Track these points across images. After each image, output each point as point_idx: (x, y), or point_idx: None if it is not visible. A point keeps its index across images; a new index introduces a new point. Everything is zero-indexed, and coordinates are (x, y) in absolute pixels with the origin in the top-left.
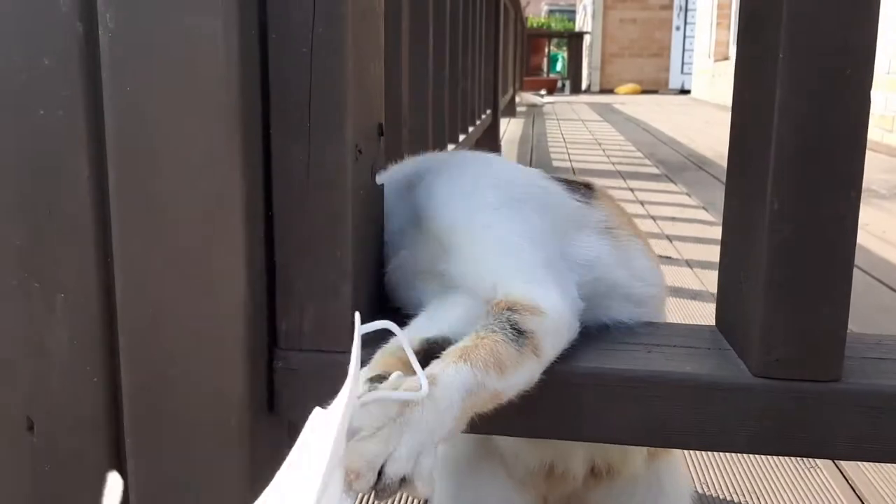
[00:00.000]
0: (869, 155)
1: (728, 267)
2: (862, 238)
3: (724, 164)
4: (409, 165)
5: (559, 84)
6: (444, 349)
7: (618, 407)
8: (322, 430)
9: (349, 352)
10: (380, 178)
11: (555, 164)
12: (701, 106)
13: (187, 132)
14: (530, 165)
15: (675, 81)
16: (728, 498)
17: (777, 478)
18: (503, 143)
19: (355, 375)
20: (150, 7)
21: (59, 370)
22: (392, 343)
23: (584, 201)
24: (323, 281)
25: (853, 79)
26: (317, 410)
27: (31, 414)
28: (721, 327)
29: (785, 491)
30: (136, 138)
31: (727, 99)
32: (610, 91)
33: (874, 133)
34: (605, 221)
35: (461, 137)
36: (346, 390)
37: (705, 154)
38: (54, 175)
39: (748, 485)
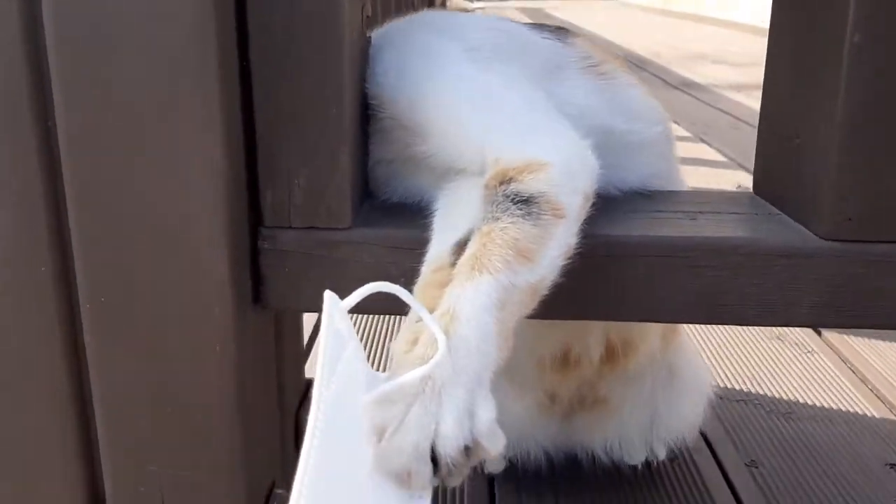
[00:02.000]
0: None
1: (775, 127)
2: None
3: (663, 63)
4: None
5: None
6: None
7: (675, 280)
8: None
9: (351, 228)
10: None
11: None
12: (631, 9)
13: None
14: None
15: None
16: (729, 385)
17: (775, 363)
18: None
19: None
20: None
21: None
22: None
23: (559, 40)
24: (316, 143)
25: None
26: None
27: None
28: (764, 192)
29: (786, 375)
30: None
31: (656, 2)
32: None
33: None
34: (586, 59)
35: None
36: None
37: (644, 55)
38: None
39: (748, 371)
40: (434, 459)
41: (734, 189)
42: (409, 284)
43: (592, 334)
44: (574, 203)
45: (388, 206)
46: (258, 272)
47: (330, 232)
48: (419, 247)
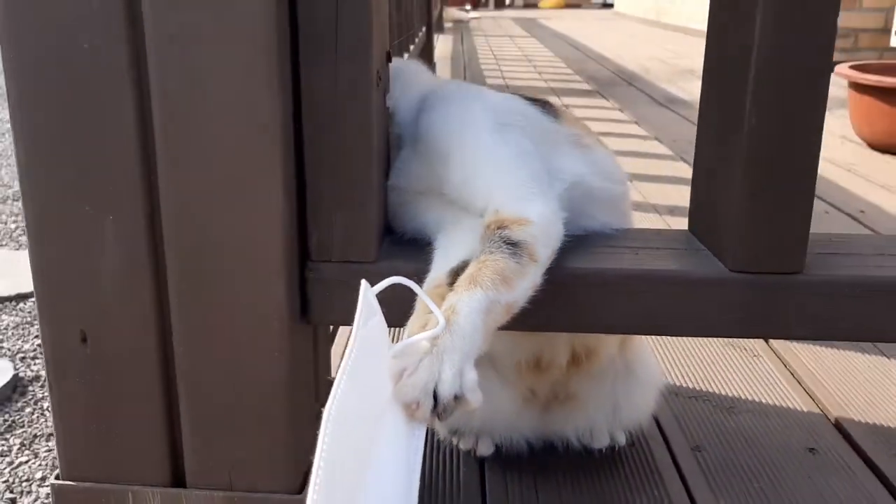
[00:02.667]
0: None
1: (702, 179)
2: None
3: (651, 79)
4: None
5: None
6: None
7: (616, 301)
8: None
9: (376, 262)
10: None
11: (489, 81)
12: (624, 20)
13: (228, 65)
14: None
15: None
16: (684, 385)
17: (724, 366)
18: (436, 61)
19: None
20: None
21: (111, 288)
22: (426, 283)
23: (554, 119)
24: (350, 195)
25: (822, 12)
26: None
27: (85, 328)
28: (695, 231)
29: (733, 376)
30: (179, 71)
31: (649, 13)
32: (534, 6)
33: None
34: (574, 136)
35: (405, 56)
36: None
37: (633, 70)
38: (102, 110)
39: (700, 372)
40: (434, 398)
41: None
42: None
43: (559, 344)
44: (545, 254)
45: (403, 243)
46: (305, 295)
47: (360, 265)
48: (424, 275)
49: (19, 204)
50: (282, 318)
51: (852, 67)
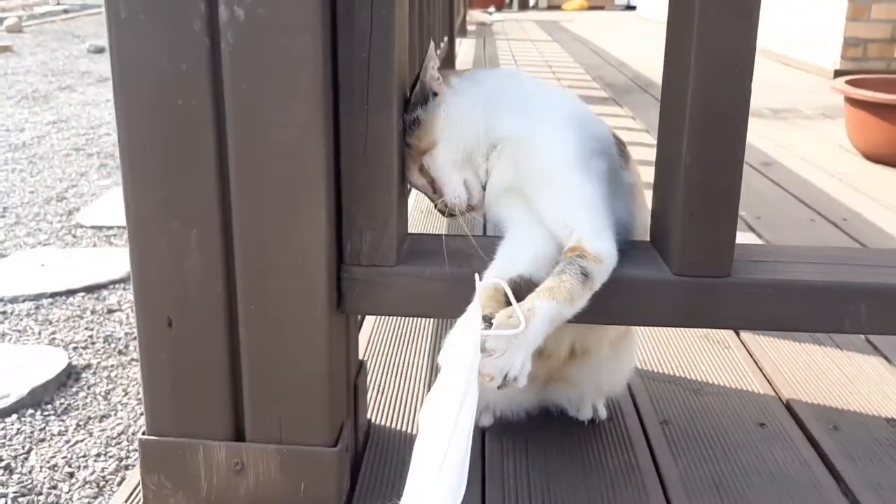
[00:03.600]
0: (797, 75)
1: (657, 198)
2: (784, 157)
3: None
4: (481, 86)
5: (507, 0)
6: (523, 285)
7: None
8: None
9: (395, 265)
10: (456, 90)
11: None
12: (646, 23)
13: (285, 116)
14: None
15: None
16: (661, 371)
17: (698, 355)
18: (458, 67)
19: (476, 318)
20: (262, 27)
21: (192, 284)
22: (487, 282)
23: (624, 166)
24: (376, 216)
25: (740, 75)
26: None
27: (171, 314)
28: (653, 242)
29: (704, 364)
30: (249, 123)
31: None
32: (557, 7)
33: (802, 53)
34: (633, 186)
35: None
36: (469, 328)
37: (650, 76)
38: (189, 150)
39: (676, 360)
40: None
41: None
42: (427, 298)
43: (563, 340)
44: (599, 285)
45: (420, 251)
46: (340, 291)
47: (383, 268)
48: (431, 277)
49: (63, 205)
50: (322, 308)
51: (848, 82)
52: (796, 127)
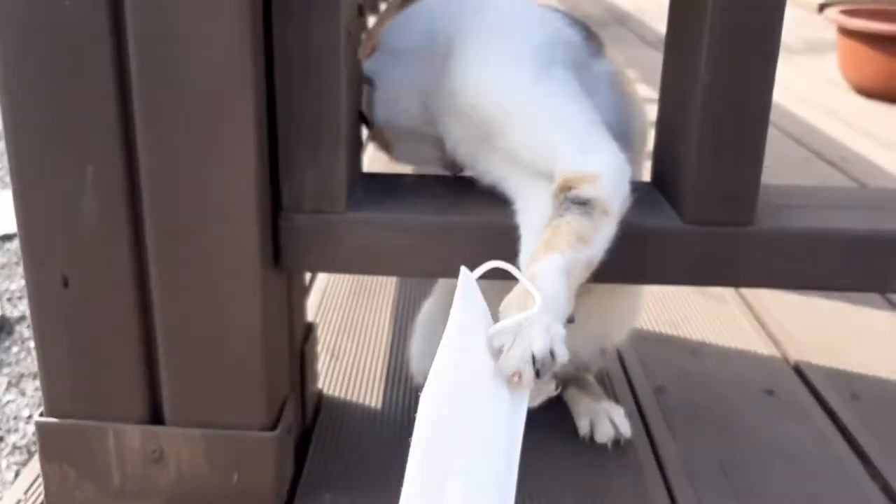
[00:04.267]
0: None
1: (662, 134)
2: (775, 93)
3: (644, 18)
4: (427, 21)
5: None
6: None
7: None
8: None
9: (345, 212)
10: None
11: None
12: None
13: (203, 19)
14: None
15: None
16: (654, 328)
17: (692, 311)
18: None
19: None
20: None
21: (91, 235)
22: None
23: (598, 54)
24: (320, 150)
25: None
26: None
27: (66, 272)
28: (656, 184)
29: (699, 321)
30: (156, 26)
31: None
32: None
33: None
34: (612, 74)
35: None
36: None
37: (626, 8)
38: (82, 64)
39: (669, 316)
40: (533, 363)
41: None
42: (388, 252)
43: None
44: (616, 204)
45: (376, 192)
46: (278, 243)
47: (330, 215)
48: (392, 226)
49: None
50: (255, 265)
51: (842, 12)
52: (784, 62)
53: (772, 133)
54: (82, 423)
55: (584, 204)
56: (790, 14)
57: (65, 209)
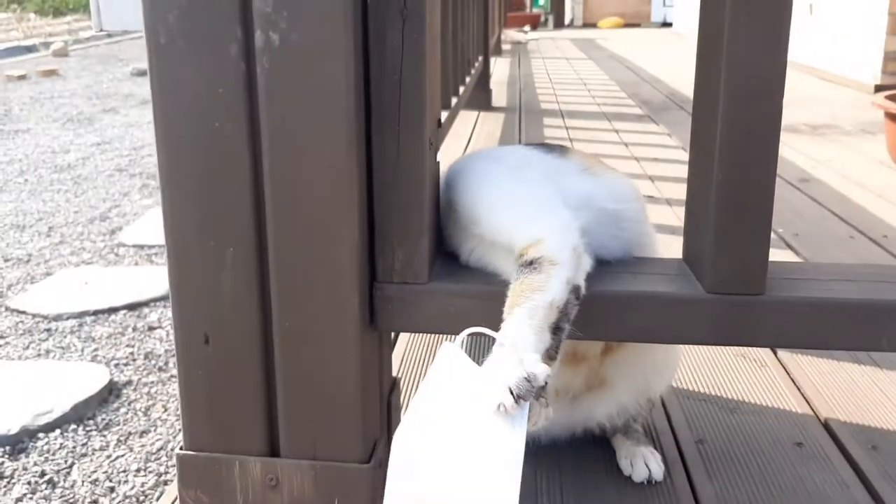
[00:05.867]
0: (838, 91)
1: (689, 216)
2: (823, 173)
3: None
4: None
5: (542, 19)
6: None
7: (616, 315)
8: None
9: (427, 283)
10: None
11: (543, 106)
12: (682, 40)
13: (319, 137)
14: (519, 107)
15: (657, 14)
16: (697, 389)
17: (734, 374)
18: (492, 86)
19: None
20: (296, 51)
21: (228, 302)
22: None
23: (561, 156)
24: (407, 234)
25: (770, 92)
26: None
27: (207, 332)
28: (686, 259)
29: (740, 383)
30: (284, 143)
31: None
32: (593, 25)
33: (844, 69)
34: (580, 165)
35: (460, 89)
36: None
37: (685, 93)
38: (226, 171)
39: (711, 379)
40: (510, 392)
41: None
42: (459, 315)
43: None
44: (564, 256)
45: (452, 268)
46: (373, 307)
47: (414, 286)
48: (462, 294)
49: (107, 224)
50: (355, 325)
51: (887, 97)
52: (835, 143)
53: (817, 211)
54: (214, 455)
55: (531, 264)
56: (845, 95)
57: (208, 281)
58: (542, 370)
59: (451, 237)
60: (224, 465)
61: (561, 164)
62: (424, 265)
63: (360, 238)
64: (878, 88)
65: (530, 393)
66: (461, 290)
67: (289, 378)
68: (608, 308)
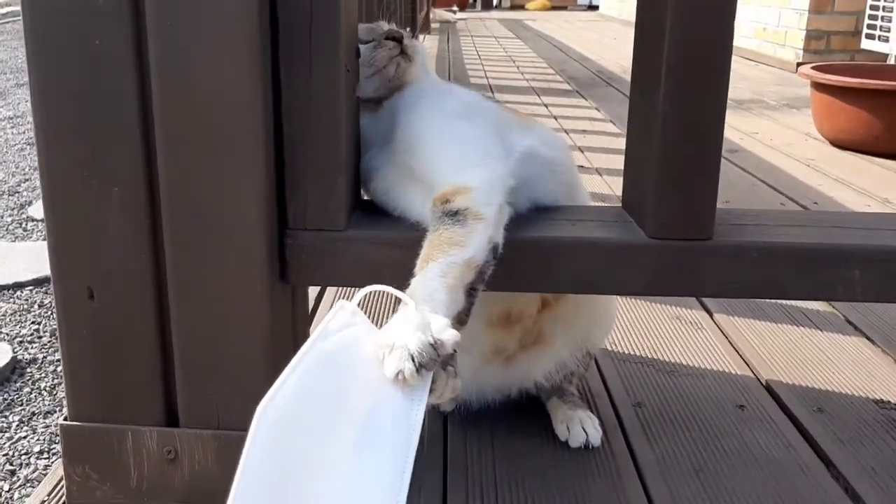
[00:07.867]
0: (761, 69)
1: (630, 163)
2: (751, 144)
3: (628, 78)
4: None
5: (470, 0)
6: None
7: (553, 264)
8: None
9: (345, 230)
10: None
11: (472, 80)
12: (609, 22)
13: (218, 60)
14: (449, 81)
15: None
16: (633, 353)
17: (670, 336)
18: None
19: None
20: None
21: (115, 251)
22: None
23: (503, 108)
24: (322, 174)
25: (722, 8)
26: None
27: (92, 285)
28: (625, 206)
29: (677, 345)
30: (175, 66)
31: (633, 15)
32: (520, 7)
33: (767, 48)
34: (519, 121)
35: None
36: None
37: (613, 70)
38: (109, 98)
39: (648, 342)
40: (412, 359)
41: None
42: (384, 267)
43: (532, 296)
44: (490, 212)
45: (372, 214)
46: (284, 259)
47: (331, 233)
48: (387, 242)
49: (15, 198)
50: (263, 278)
51: (814, 68)
52: (761, 117)
53: (747, 180)
54: (103, 426)
55: (455, 214)
56: (769, 73)
57: (92, 227)
58: (450, 336)
59: (371, 159)
60: (115, 436)
61: (506, 116)
62: (342, 209)
63: (267, 177)
64: (801, 66)
65: (435, 362)
66: (386, 237)
67: (187, 338)
68: (545, 257)
